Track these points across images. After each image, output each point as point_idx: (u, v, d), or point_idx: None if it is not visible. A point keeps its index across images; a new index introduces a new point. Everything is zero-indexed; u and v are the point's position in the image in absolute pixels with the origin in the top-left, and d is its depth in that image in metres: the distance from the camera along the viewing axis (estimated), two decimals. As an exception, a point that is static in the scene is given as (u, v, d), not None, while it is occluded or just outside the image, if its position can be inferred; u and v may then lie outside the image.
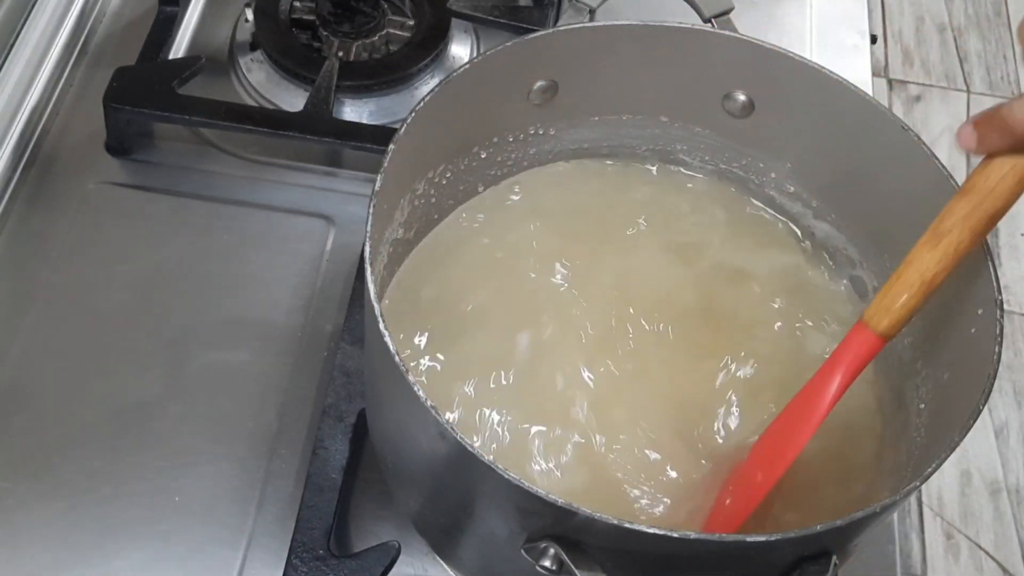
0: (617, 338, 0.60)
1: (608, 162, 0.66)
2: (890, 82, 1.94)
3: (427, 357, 0.59)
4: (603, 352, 0.59)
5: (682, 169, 0.66)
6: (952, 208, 0.48)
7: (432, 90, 0.54)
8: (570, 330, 0.60)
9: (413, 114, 0.53)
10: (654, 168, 0.66)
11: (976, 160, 0.48)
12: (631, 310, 0.61)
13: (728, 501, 0.54)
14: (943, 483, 1.49)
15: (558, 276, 0.62)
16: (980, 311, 0.51)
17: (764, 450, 0.54)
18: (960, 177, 0.51)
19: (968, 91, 1.94)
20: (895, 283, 0.49)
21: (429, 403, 0.44)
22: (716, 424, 0.58)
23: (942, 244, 0.48)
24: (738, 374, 0.59)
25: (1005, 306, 0.50)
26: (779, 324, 0.62)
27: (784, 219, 0.65)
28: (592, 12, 0.75)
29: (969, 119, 0.46)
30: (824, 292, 0.64)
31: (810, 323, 0.62)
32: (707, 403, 0.58)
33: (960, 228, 0.48)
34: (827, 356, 0.52)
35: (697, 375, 0.59)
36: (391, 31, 0.81)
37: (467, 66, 0.55)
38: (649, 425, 0.57)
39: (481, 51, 0.82)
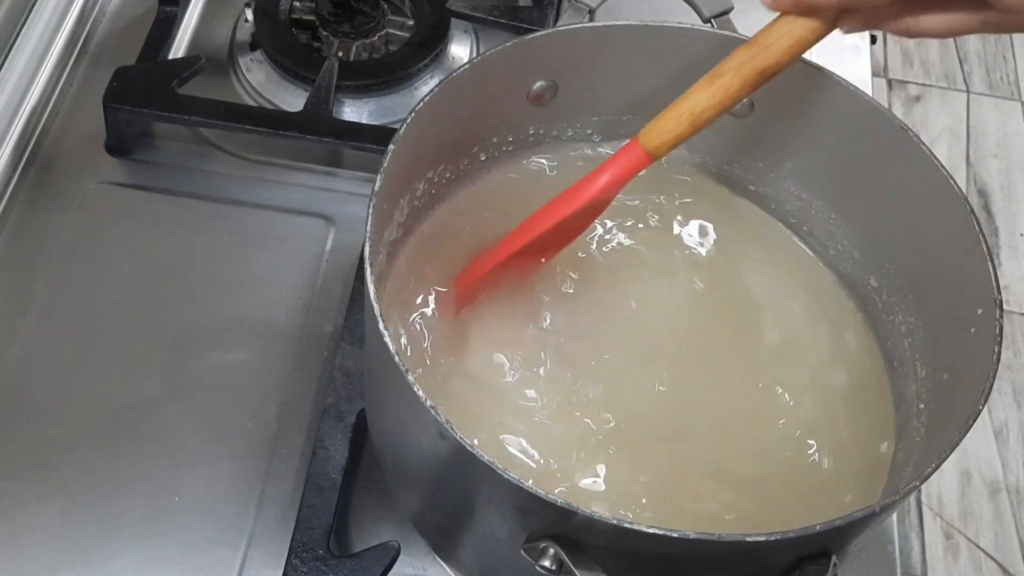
0: (630, 344, 0.60)
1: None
2: (890, 82, 1.94)
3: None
4: (611, 355, 0.60)
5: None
6: (733, 55, 0.52)
7: (432, 90, 0.54)
8: (573, 331, 0.60)
9: (413, 114, 0.53)
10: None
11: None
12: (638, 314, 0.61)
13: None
14: (943, 483, 1.50)
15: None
16: (980, 311, 0.51)
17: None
18: (960, 177, 0.51)
19: (968, 91, 1.94)
20: (670, 111, 0.53)
21: (429, 403, 0.44)
22: None
23: (715, 85, 0.52)
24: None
25: (1004, 306, 0.50)
26: (778, 328, 0.62)
27: (783, 220, 0.65)
28: (592, 12, 0.75)
29: None
30: (824, 292, 0.64)
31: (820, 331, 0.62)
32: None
33: (733, 74, 0.51)
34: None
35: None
36: (391, 31, 0.81)
37: (467, 66, 0.55)
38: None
39: (481, 51, 0.82)
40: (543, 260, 0.60)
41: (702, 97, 0.52)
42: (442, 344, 0.58)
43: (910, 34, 0.50)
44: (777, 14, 0.51)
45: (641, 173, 0.55)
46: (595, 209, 0.57)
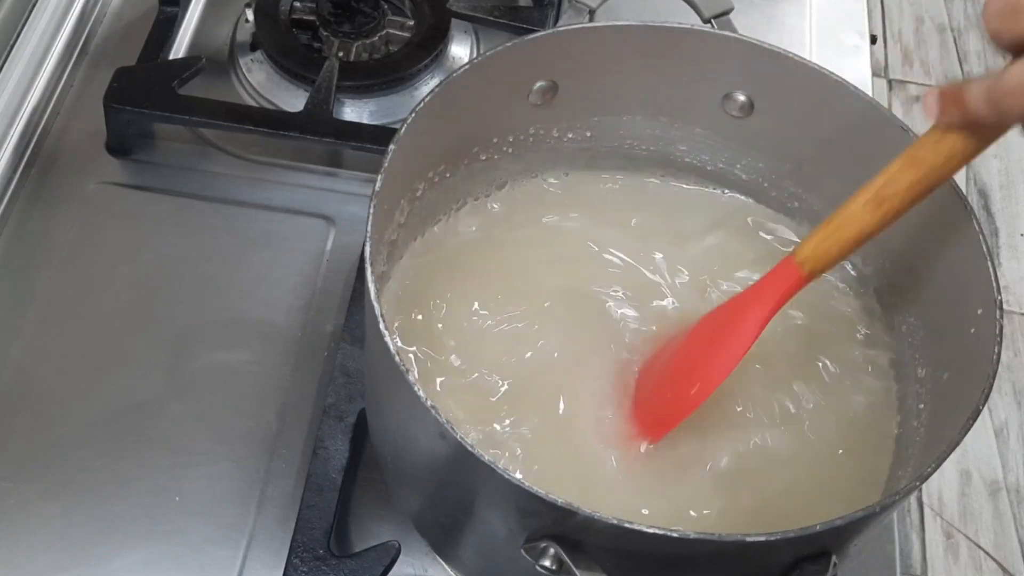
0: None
1: (604, 175, 0.66)
2: (890, 82, 1.94)
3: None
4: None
5: (683, 184, 0.66)
6: (898, 176, 0.50)
7: (432, 90, 0.54)
8: (573, 333, 0.60)
9: (413, 114, 0.53)
10: (657, 180, 0.66)
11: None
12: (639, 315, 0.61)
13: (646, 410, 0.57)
14: (943, 483, 1.50)
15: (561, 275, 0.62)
16: (980, 311, 0.51)
17: (682, 362, 0.57)
18: (960, 177, 0.51)
19: (968, 91, 1.94)
20: (832, 234, 0.52)
21: (429, 403, 0.45)
22: None
23: (884, 208, 0.51)
24: None
25: (1004, 306, 0.51)
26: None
27: (783, 221, 0.65)
28: (592, 13, 0.75)
29: (939, 87, 0.48)
30: (823, 289, 0.64)
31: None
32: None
33: (903, 197, 0.50)
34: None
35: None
36: (391, 31, 0.81)
37: (467, 66, 0.55)
38: None
39: (481, 51, 0.82)
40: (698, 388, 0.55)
41: (871, 221, 0.51)
42: None
43: None
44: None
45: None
46: (747, 335, 0.54)
